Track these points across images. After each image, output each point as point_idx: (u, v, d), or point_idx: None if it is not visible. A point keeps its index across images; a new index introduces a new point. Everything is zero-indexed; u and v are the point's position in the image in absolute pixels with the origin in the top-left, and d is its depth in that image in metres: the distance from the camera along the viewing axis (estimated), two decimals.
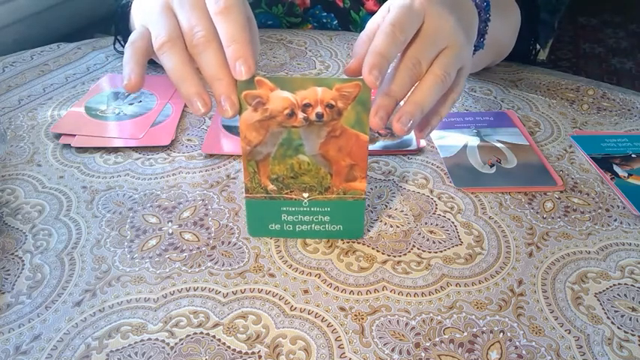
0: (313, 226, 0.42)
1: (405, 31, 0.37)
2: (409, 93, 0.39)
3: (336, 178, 0.40)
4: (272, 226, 0.43)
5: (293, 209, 0.42)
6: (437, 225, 0.45)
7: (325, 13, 0.80)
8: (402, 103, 0.39)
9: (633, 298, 0.39)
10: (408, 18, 0.38)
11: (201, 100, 0.37)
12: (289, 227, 0.42)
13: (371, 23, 0.42)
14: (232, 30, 0.37)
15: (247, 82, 0.36)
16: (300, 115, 0.37)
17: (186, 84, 0.37)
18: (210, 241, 0.43)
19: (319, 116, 0.37)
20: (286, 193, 0.41)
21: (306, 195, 0.41)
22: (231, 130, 0.56)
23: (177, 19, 0.39)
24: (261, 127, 0.38)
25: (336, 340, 0.36)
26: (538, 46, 0.73)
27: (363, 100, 0.37)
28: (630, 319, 0.37)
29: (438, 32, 0.39)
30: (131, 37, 0.40)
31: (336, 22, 0.80)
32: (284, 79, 0.37)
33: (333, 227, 0.42)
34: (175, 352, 0.35)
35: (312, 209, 0.41)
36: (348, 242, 0.43)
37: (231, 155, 0.53)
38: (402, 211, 0.46)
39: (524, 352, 0.35)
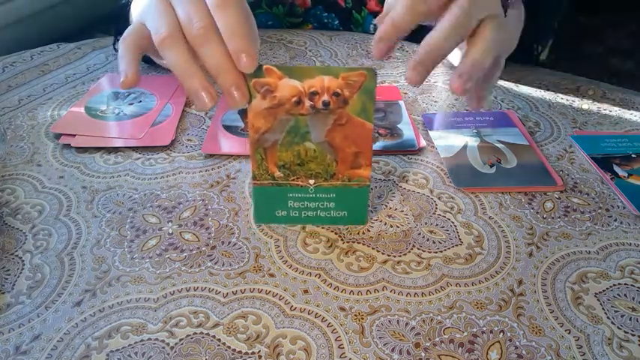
0: (319, 212, 0.43)
1: (427, 2, 0.37)
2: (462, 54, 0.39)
3: (341, 165, 0.41)
4: (278, 213, 0.43)
5: (299, 196, 0.42)
6: (437, 225, 0.45)
7: (326, 14, 0.80)
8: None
9: (633, 298, 0.39)
10: None
11: (207, 93, 0.37)
12: (295, 213, 0.43)
13: None
14: (232, 22, 0.36)
15: (255, 71, 0.37)
16: (307, 102, 0.38)
17: (192, 79, 0.37)
18: (210, 241, 0.43)
19: (325, 104, 0.38)
20: (293, 180, 0.42)
21: (312, 182, 0.42)
22: (231, 130, 0.56)
23: (176, 12, 0.39)
24: (269, 115, 0.39)
25: (336, 340, 0.36)
26: (540, 48, 0.73)
27: (368, 89, 0.38)
28: (630, 319, 0.37)
29: None
30: (125, 33, 0.40)
31: (337, 22, 0.80)
32: (292, 67, 0.38)
33: (338, 213, 0.43)
34: (175, 352, 0.35)
35: (318, 196, 0.42)
36: (348, 242, 0.43)
37: (231, 155, 0.53)
38: (402, 211, 0.46)
39: (524, 352, 0.35)
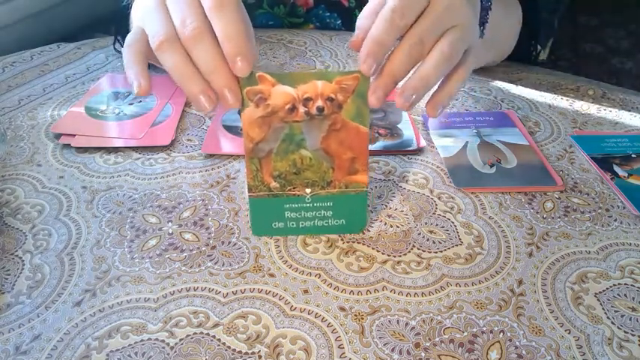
0: (316, 221, 0.43)
1: (405, 16, 0.37)
2: (415, 69, 0.38)
3: (338, 172, 0.41)
4: (275, 225, 0.43)
5: (296, 206, 0.42)
6: (437, 225, 0.45)
7: (329, 13, 0.80)
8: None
9: (633, 298, 0.39)
10: (409, 2, 0.37)
11: (206, 97, 0.37)
12: (293, 224, 0.43)
13: None
14: (228, 25, 0.36)
15: (249, 79, 0.36)
16: (302, 109, 0.38)
17: (190, 83, 0.37)
18: (210, 241, 0.43)
19: (320, 110, 0.38)
20: (289, 190, 0.41)
21: (308, 190, 0.41)
22: (231, 130, 0.56)
23: (171, 16, 0.38)
24: (264, 124, 0.38)
25: (336, 340, 0.36)
26: (539, 47, 0.73)
27: (362, 93, 0.37)
28: (630, 319, 0.37)
29: (447, 10, 0.38)
30: (128, 40, 0.40)
31: (340, 21, 0.80)
32: (285, 74, 0.37)
33: (336, 222, 0.43)
34: (175, 352, 0.35)
35: (315, 205, 0.42)
36: (348, 242, 0.43)
37: (231, 155, 0.53)
38: (402, 211, 0.46)
39: (524, 352, 0.35)
